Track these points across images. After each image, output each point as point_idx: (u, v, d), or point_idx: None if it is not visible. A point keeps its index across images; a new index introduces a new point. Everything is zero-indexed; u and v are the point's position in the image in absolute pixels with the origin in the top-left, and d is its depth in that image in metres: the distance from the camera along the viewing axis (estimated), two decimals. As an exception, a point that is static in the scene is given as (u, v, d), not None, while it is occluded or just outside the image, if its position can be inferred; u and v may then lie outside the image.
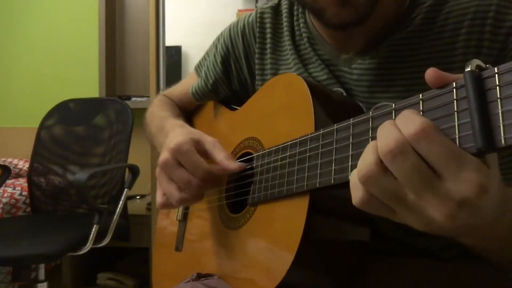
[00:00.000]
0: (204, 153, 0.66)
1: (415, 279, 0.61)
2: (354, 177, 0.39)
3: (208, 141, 0.66)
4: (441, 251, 0.63)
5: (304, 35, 0.71)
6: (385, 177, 0.36)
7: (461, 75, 0.35)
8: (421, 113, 0.37)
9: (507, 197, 0.40)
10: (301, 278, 0.55)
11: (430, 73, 0.36)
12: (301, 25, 0.72)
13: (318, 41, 0.69)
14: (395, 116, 0.39)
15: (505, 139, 0.30)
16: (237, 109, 0.78)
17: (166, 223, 0.89)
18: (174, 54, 2.71)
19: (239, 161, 0.68)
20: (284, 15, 0.74)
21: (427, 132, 0.34)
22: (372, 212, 0.39)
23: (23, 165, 2.28)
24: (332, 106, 0.59)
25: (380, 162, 0.36)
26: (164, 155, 0.64)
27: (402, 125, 0.35)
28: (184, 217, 0.82)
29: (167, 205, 0.67)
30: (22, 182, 2.07)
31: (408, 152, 0.35)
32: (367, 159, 0.37)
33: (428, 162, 0.35)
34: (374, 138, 0.41)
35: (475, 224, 0.36)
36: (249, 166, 0.65)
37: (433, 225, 0.36)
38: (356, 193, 0.39)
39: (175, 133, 0.69)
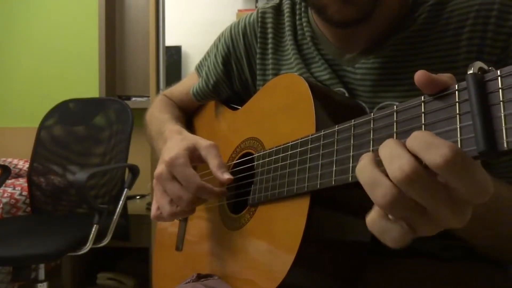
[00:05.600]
0: (199, 159, 0.66)
1: (415, 279, 0.62)
2: (372, 215, 0.37)
3: (203, 146, 0.66)
4: (441, 252, 0.63)
5: (307, 34, 0.71)
6: (405, 197, 0.34)
7: (448, 75, 0.35)
8: (423, 115, 0.37)
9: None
10: (302, 279, 0.54)
11: (421, 76, 0.35)
12: (304, 24, 0.72)
13: (321, 41, 0.69)
14: (397, 117, 0.39)
15: (507, 142, 0.30)
16: (238, 109, 0.78)
17: (166, 223, 0.89)
18: (174, 54, 2.70)
19: (239, 161, 0.68)
20: (286, 14, 0.74)
21: (458, 157, 0.31)
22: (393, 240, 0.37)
23: (23, 165, 2.27)
24: (334, 107, 0.59)
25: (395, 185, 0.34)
26: (159, 168, 0.65)
27: (422, 150, 0.33)
28: (185, 217, 0.82)
29: (160, 217, 0.67)
30: (22, 182, 2.07)
31: (425, 178, 0.33)
32: (383, 184, 0.35)
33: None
34: (375, 139, 0.41)
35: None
36: (250, 165, 0.65)
37: (443, 228, 0.35)
38: (382, 229, 0.36)
39: (172, 143, 0.69)
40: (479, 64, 0.33)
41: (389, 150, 0.35)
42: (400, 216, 0.35)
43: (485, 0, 0.58)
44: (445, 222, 0.35)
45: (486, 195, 0.33)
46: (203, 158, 0.66)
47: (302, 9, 0.73)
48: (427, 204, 0.34)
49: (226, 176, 0.63)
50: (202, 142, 0.67)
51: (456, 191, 0.33)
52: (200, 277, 0.68)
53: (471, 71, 0.33)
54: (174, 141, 0.69)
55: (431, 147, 0.32)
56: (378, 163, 0.36)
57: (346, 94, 0.65)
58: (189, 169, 0.63)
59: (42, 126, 2.05)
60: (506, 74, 0.31)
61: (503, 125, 0.30)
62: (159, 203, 0.67)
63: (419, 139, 0.33)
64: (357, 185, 0.40)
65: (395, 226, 0.36)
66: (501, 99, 0.31)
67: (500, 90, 0.31)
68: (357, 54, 0.65)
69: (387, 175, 0.35)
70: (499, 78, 0.31)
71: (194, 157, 0.66)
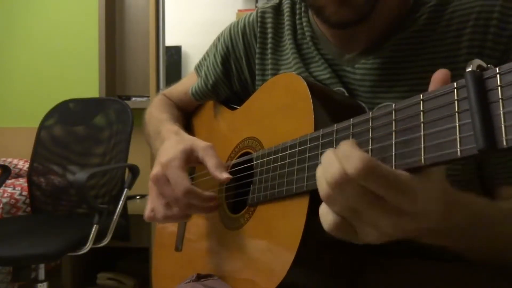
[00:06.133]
0: (196, 160, 0.66)
1: (415, 279, 0.61)
2: (322, 206, 0.42)
3: (200, 147, 0.66)
4: (441, 251, 0.63)
5: (307, 34, 0.70)
6: (340, 195, 0.39)
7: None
8: (422, 114, 0.37)
9: (459, 203, 0.44)
10: (301, 279, 0.54)
11: (442, 73, 0.37)
12: (304, 24, 0.72)
13: (321, 41, 0.69)
14: (396, 116, 0.39)
15: (506, 140, 0.30)
16: (237, 108, 0.78)
17: (166, 223, 0.89)
18: (174, 54, 2.70)
19: (238, 161, 0.68)
20: (286, 14, 0.74)
21: (369, 169, 0.36)
22: (341, 236, 0.41)
23: (23, 165, 2.27)
24: (333, 106, 0.59)
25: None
26: (155, 170, 0.65)
27: (343, 161, 0.37)
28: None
29: (153, 219, 0.67)
30: (22, 182, 2.07)
31: (352, 183, 0.37)
32: (325, 181, 0.39)
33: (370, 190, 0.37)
34: (374, 138, 0.41)
35: (432, 228, 0.40)
36: (249, 164, 0.65)
37: (387, 235, 0.39)
38: (325, 218, 0.41)
39: (169, 144, 0.69)
40: (477, 61, 0.33)
41: (325, 159, 0.39)
42: (338, 211, 0.40)
43: (487, 2, 0.58)
44: (382, 227, 0.38)
45: (412, 204, 0.37)
46: (200, 160, 0.66)
47: (302, 9, 0.73)
48: (358, 206, 0.38)
49: (225, 175, 0.62)
50: (199, 144, 0.67)
51: (383, 199, 0.37)
52: (200, 277, 0.68)
53: (469, 69, 0.32)
54: (171, 142, 0.69)
55: (348, 158, 0.37)
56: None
57: (346, 94, 0.65)
58: (181, 172, 0.63)
59: (42, 126, 2.05)
60: (505, 71, 0.30)
61: (502, 123, 0.30)
62: (153, 205, 0.66)
63: (341, 149, 0.38)
64: None
65: (333, 214, 0.41)
66: (500, 96, 0.30)
67: (499, 87, 0.31)
68: (357, 54, 0.65)
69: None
70: (497, 75, 0.31)
71: (191, 159, 0.66)
